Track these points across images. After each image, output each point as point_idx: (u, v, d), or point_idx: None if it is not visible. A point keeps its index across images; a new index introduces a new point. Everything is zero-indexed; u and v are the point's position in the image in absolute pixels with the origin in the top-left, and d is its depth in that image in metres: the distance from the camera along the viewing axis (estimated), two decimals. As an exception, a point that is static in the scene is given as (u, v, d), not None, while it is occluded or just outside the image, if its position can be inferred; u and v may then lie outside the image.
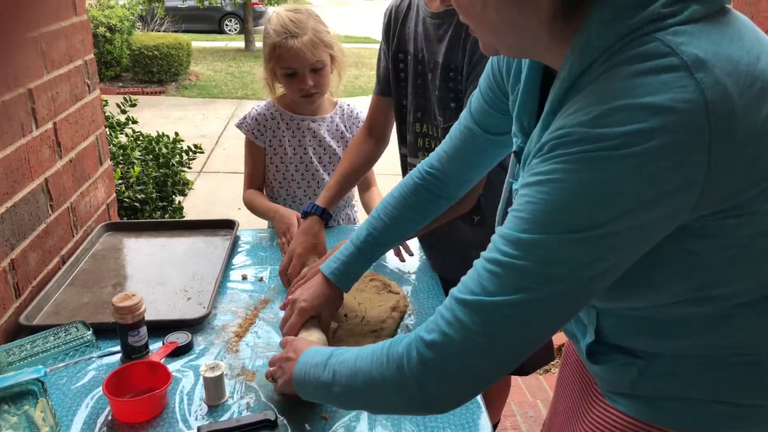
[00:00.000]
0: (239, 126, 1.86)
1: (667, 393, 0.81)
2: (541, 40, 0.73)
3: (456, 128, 1.12)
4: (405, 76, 1.48)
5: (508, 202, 0.83)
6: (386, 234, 1.21)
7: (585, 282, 0.67)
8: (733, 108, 0.61)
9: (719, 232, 0.68)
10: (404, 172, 1.58)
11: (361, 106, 1.88)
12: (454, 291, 0.74)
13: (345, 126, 1.86)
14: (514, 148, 0.89)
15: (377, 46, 1.68)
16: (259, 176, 1.86)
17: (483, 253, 0.72)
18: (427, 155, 1.22)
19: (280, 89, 1.80)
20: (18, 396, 1.07)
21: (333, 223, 1.85)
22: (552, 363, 2.54)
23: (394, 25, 1.48)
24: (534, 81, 0.85)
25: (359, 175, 1.64)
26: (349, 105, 1.89)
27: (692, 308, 0.75)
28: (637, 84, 0.62)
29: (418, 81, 1.44)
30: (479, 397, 1.09)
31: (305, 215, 1.53)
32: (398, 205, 1.20)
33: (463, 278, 0.74)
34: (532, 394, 2.46)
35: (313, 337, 1.15)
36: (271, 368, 1.06)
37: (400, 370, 0.76)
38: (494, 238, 0.72)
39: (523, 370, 1.79)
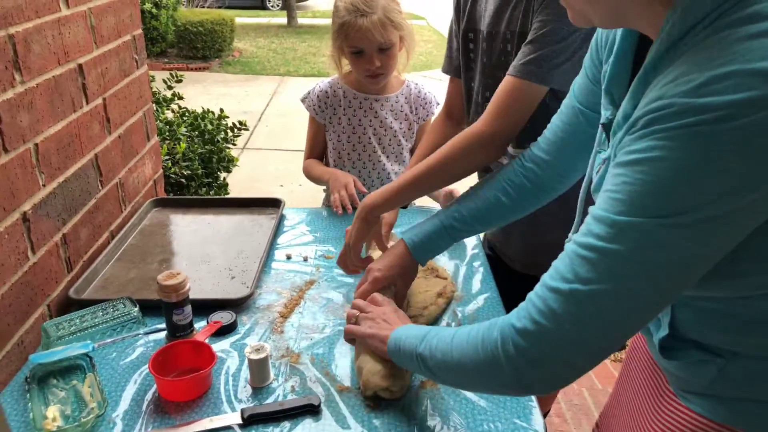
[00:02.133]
0: (303, 100, 1.86)
1: (748, 395, 0.75)
2: (639, 2, 0.67)
3: (558, 114, 1.06)
4: (474, 56, 1.43)
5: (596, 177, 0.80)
6: (475, 218, 1.16)
7: (683, 269, 0.63)
8: None
9: None
10: None
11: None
12: (545, 277, 0.71)
13: (411, 107, 1.80)
14: (603, 120, 0.84)
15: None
16: (319, 148, 1.87)
17: (575, 237, 0.69)
18: None
19: (347, 66, 1.77)
20: (66, 370, 1.09)
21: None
22: (617, 356, 2.48)
23: (464, 3, 1.43)
24: (627, 50, 0.79)
25: None
26: (417, 85, 1.83)
27: None
28: (747, 48, 0.56)
29: (484, 60, 1.39)
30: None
31: None
32: (494, 191, 1.15)
33: (555, 263, 0.71)
34: (576, 382, 2.40)
35: None
36: (354, 312, 1.09)
37: (494, 356, 0.74)
38: (588, 220, 0.68)
39: None
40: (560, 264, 0.69)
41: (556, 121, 1.07)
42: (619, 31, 0.81)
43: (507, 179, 1.14)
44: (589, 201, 0.88)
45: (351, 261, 1.29)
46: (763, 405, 0.75)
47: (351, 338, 1.10)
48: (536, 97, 1.22)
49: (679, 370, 0.81)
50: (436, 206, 1.71)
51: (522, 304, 0.73)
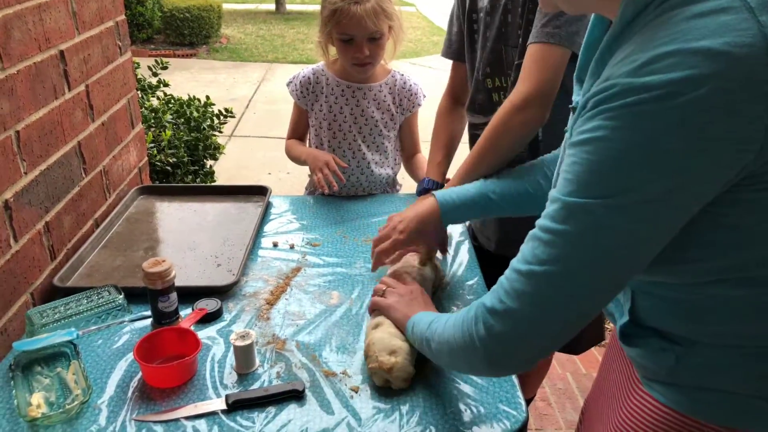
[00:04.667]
0: (288, 85, 1.87)
1: (706, 384, 0.76)
2: None
3: None
4: (477, 36, 1.43)
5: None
6: (508, 199, 1.19)
7: (630, 251, 0.64)
8: None
9: (766, 206, 0.63)
10: (472, 142, 1.51)
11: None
12: (513, 260, 0.73)
13: (394, 98, 1.80)
14: (572, 104, 0.85)
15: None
16: (301, 130, 1.89)
17: (537, 221, 0.71)
18: None
19: (333, 54, 1.76)
20: (51, 358, 1.09)
21: (377, 191, 1.83)
22: (604, 342, 2.50)
23: None
24: (596, 39, 0.80)
25: (457, 141, 1.63)
26: (403, 76, 1.83)
27: (730, 290, 0.70)
28: (691, 27, 0.57)
29: (487, 34, 1.39)
30: (513, 375, 1.06)
31: (423, 191, 1.46)
32: (526, 182, 1.18)
33: (522, 246, 0.73)
34: (561, 366, 2.44)
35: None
36: (381, 286, 1.14)
37: (470, 334, 0.78)
38: (547, 204, 0.70)
39: (575, 349, 1.76)
40: (524, 246, 0.72)
41: None
42: (590, 21, 0.82)
43: (541, 173, 1.16)
44: None
45: (389, 255, 1.28)
46: (720, 394, 0.75)
47: (374, 308, 1.14)
48: (560, 58, 1.23)
49: (642, 357, 0.82)
50: None
51: (494, 286, 0.76)
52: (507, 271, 0.74)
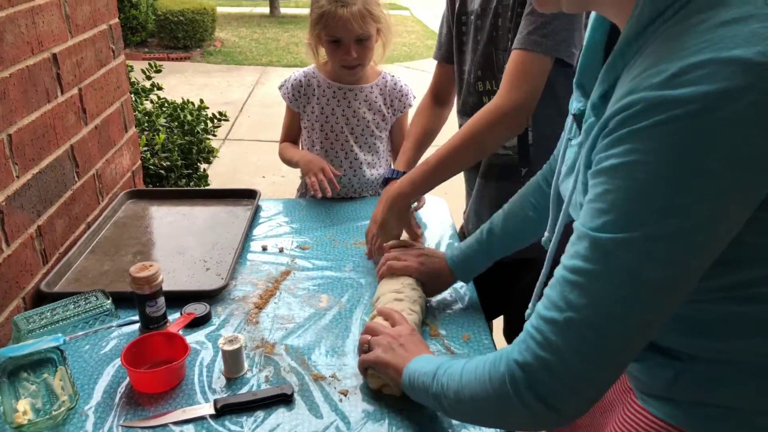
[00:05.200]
0: (280, 88, 1.89)
1: (705, 399, 0.74)
2: None
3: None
4: (466, 39, 1.45)
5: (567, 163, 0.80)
6: (509, 234, 1.18)
7: (679, 281, 0.60)
8: None
9: None
10: None
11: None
12: (540, 308, 0.67)
13: (385, 99, 1.82)
14: (574, 111, 0.82)
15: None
16: (294, 133, 1.90)
17: (564, 260, 0.66)
18: None
19: (324, 56, 1.78)
20: (37, 364, 1.08)
21: (369, 192, 1.84)
22: None
23: None
24: (598, 42, 0.77)
25: (431, 138, 1.65)
26: (393, 77, 1.85)
27: (734, 307, 0.68)
28: (720, 35, 0.54)
29: (478, 37, 1.40)
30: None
31: (386, 182, 1.53)
32: (522, 208, 1.17)
33: (546, 290, 0.68)
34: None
35: (404, 291, 1.21)
36: (366, 337, 1.06)
37: (504, 392, 0.71)
38: (572, 239, 0.65)
39: None
40: (552, 291, 0.66)
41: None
42: (590, 23, 0.80)
43: (532, 196, 1.15)
44: (558, 197, 0.89)
45: (378, 250, 1.36)
46: (718, 410, 0.74)
47: (364, 368, 1.05)
48: (544, 67, 1.25)
49: (640, 372, 0.81)
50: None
51: (521, 336, 0.70)
52: (534, 321, 0.68)
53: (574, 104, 0.83)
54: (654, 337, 0.74)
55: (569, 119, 0.87)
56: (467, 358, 0.82)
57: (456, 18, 1.46)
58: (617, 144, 0.59)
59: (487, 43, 1.39)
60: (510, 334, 1.65)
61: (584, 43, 0.81)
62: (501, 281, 1.46)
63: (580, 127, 0.81)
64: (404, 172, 1.49)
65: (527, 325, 0.70)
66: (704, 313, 0.70)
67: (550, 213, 0.92)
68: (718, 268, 0.64)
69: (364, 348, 1.05)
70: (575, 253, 0.63)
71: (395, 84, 1.83)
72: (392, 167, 1.58)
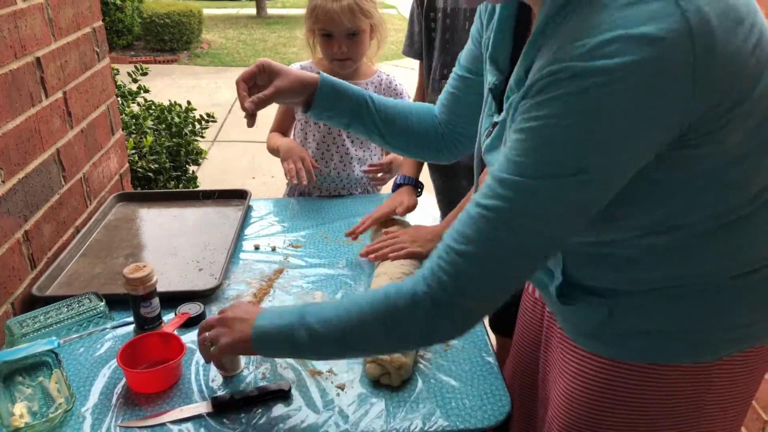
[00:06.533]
0: None
1: (635, 329, 0.83)
2: None
3: (451, 80, 1.11)
4: (435, 35, 1.46)
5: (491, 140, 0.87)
6: (386, 107, 1.13)
7: (573, 221, 0.70)
8: (713, 36, 0.62)
9: (687, 162, 0.69)
10: None
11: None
12: (447, 239, 0.75)
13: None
14: (489, 85, 0.89)
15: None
16: (285, 125, 1.90)
17: (478, 198, 0.73)
18: None
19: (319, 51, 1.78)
20: (32, 367, 1.08)
21: (359, 189, 1.84)
22: None
23: None
24: (508, 18, 0.85)
25: None
26: (388, 76, 1.85)
27: (655, 239, 0.76)
28: (630, 14, 0.62)
29: (446, 36, 1.41)
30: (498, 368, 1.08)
31: (398, 187, 1.58)
32: (412, 111, 1.15)
33: (456, 226, 0.75)
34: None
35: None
36: (204, 335, 0.97)
37: (407, 304, 0.78)
38: (488, 181, 0.72)
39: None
40: (463, 227, 0.73)
41: (449, 84, 1.12)
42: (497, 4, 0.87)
43: (424, 115, 1.16)
44: (482, 165, 0.94)
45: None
46: (646, 336, 0.83)
47: (217, 356, 0.98)
48: None
49: (575, 315, 0.88)
50: None
51: (429, 268, 0.77)
52: (441, 250, 0.76)
53: (489, 78, 0.89)
54: (587, 281, 0.84)
55: (486, 93, 0.92)
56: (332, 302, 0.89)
57: (425, 15, 1.47)
58: (539, 105, 0.66)
59: (456, 43, 1.41)
60: (495, 323, 1.70)
61: (495, 18, 0.87)
62: None
63: (496, 99, 0.88)
64: (415, 179, 1.57)
65: (435, 259, 0.76)
66: (631, 249, 0.79)
67: (474, 179, 0.99)
68: (636, 207, 0.73)
69: (205, 345, 0.97)
70: (490, 193, 0.71)
71: (390, 82, 1.82)
72: (400, 174, 1.62)
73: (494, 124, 0.87)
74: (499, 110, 0.87)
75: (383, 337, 0.83)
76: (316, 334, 0.85)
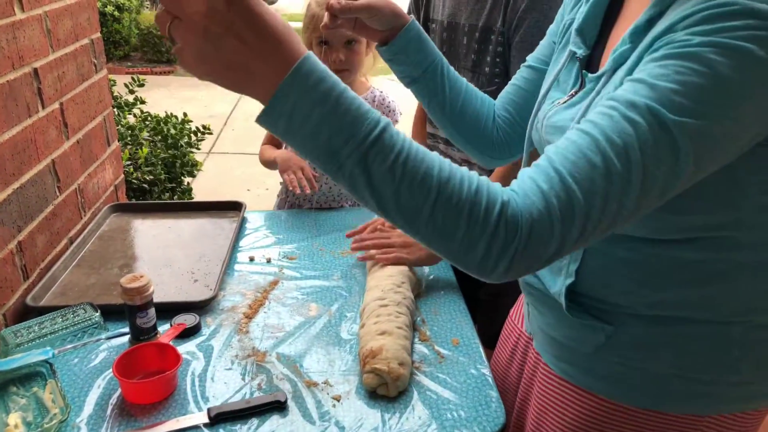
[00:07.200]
0: None
1: (629, 363, 0.78)
2: None
3: (519, 74, 1.06)
4: None
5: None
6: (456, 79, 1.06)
7: (679, 180, 0.61)
8: None
9: None
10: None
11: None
12: (568, 166, 0.61)
13: None
14: (578, 54, 0.82)
15: None
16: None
17: (603, 124, 0.61)
18: None
19: None
20: (26, 378, 1.07)
21: (350, 200, 1.84)
22: None
23: None
24: None
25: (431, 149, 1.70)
26: (381, 92, 1.86)
27: (689, 253, 0.71)
28: None
29: (443, 49, 1.42)
30: (491, 379, 1.08)
31: None
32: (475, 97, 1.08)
33: (575, 150, 0.61)
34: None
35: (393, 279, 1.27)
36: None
37: (486, 208, 0.60)
38: (622, 108, 0.61)
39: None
40: (587, 152, 0.61)
41: (515, 83, 1.07)
42: None
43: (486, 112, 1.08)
44: (535, 154, 0.83)
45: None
46: (639, 373, 0.78)
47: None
48: None
49: (567, 338, 0.84)
50: None
51: (517, 183, 0.64)
52: (550, 172, 0.61)
53: (573, 49, 0.83)
54: (598, 290, 0.78)
55: (560, 65, 0.85)
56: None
57: (422, 25, 1.49)
58: (704, 34, 0.59)
59: (453, 57, 1.41)
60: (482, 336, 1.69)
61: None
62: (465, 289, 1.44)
63: (579, 74, 0.82)
64: None
65: (534, 175, 0.62)
66: (657, 258, 0.73)
67: (522, 161, 0.94)
68: (703, 202, 0.67)
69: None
70: (628, 119, 0.60)
71: (383, 100, 1.84)
72: None
73: (571, 95, 0.81)
74: (580, 83, 0.81)
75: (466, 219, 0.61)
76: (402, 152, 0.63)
